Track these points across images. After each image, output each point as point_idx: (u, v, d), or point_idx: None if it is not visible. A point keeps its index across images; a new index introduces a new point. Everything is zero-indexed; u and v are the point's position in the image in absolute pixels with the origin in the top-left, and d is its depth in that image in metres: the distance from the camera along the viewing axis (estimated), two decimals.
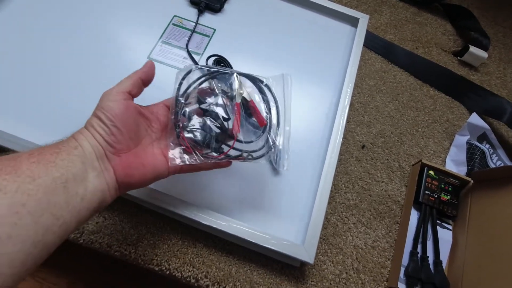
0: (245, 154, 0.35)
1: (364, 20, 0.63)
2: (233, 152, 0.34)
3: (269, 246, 0.41)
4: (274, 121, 0.36)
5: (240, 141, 0.35)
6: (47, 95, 0.48)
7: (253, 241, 0.41)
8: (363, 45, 0.63)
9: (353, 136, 0.56)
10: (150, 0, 0.60)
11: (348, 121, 0.58)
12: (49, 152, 0.25)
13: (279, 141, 0.36)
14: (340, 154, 0.54)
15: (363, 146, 0.56)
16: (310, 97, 0.55)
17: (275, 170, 0.48)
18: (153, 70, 0.34)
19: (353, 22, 0.64)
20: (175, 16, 0.59)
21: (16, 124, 0.45)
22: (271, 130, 0.36)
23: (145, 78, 0.33)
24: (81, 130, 0.29)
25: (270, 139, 0.35)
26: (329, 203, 0.50)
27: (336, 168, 0.51)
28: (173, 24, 0.58)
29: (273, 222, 0.45)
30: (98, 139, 0.28)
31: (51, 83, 0.49)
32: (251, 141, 0.36)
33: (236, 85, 0.36)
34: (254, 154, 0.35)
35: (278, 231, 0.43)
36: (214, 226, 0.41)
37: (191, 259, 0.43)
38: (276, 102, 0.37)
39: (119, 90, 0.30)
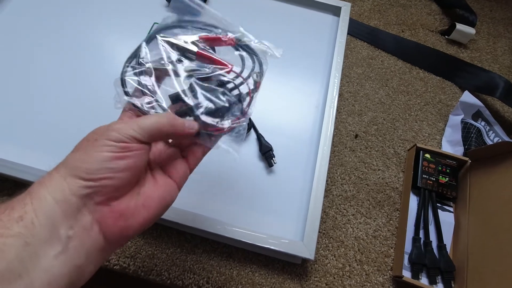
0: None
1: (346, 8, 0.62)
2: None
3: (267, 246, 0.40)
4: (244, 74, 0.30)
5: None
6: (31, 113, 0.48)
7: (251, 242, 0.40)
8: (348, 33, 0.62)
9: (345, 127, 0.56)
10: (130, 9, 0.59)
11: (339, 111, 0.57)
12: None
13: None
14: (334, 145, 0.53)
15: (356, 136, 0.55)
16: (299, 91, 0.55)
17: (268, 168, 0.47)
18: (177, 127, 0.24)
19: (335, 11, 0.64)
20: (155, 23, 0.58)
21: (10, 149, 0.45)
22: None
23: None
24: (49, 173, 0.21)
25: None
26: (326, 196, 0.49)
27: (331, 160, 0.51)
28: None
29: (271, 221, 0.44)
30: (73, 189, 0.20)
31: (34, 100, 0.49)
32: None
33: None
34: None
35: (276, 230, 0.43)
36: (210, 230, 0.41)
37: (191, 266, 0.43)
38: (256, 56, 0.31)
39: (125, 135, 0.22)
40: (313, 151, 0.49)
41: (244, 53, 0.30)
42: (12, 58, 0.52)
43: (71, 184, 0.20)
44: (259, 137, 0.48)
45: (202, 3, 0.32)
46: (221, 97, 0.27)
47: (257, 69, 0.30)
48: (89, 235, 0.20)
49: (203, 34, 0.30)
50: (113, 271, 0.42)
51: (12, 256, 0.17)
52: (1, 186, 0.45)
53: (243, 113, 0.28)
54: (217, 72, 0.28)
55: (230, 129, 0.27)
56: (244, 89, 0.29)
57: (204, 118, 0.26)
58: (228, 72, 0.28)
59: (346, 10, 0.62)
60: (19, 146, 0.46)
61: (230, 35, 0.30)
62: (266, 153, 0.47)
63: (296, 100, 0.54)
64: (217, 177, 0.46)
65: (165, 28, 0.30)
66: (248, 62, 0.30)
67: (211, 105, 0.26)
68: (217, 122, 0.26)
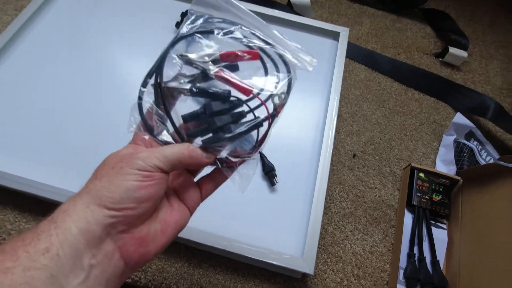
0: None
1: (344, 33, 0.66)
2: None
3: (270, 261, 0.43)
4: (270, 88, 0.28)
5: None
6: (52, 134, 0.52)
7: (254, 257, 0.43)
8: (347, 56, 0.66)
9: (344, 146, 0.59)
10: (139, 35, 0.63)
11: (337, 131, 0.60)
12: None
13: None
14: (332, 164, 0.56)
15: (354, 155, 0.58)
16: (300, 112, 0.58)
17: (271, 187, 0.50)
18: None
19: (335, 36, 0.67)
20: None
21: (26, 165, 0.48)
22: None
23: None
24: (73, 200, 0.21)
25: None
26: (325, 213, 0.52)
27: (329, 178, 0.54)
28: None
29: (272, 237, 0.47)
30: (97, 218, 0.20)
31: (54, 121, 0.53)
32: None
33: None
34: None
35: (278, 246, 0.46)
36: (216, 246, 0.44)
37: (198, 279, 0.46)
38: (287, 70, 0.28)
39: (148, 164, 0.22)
40: (313, 170, 0.52)
41: (270, 64, 0.28)
42: (32, 79, 0.56)
43: (95, 213, 0.20)
44: (262, 157, 0.51)
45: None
46: (232, 127, 0.26)
47: (282, 89, 0.28)
48: (111, 262, 0.21)
49: (224, 51, 0.28)
50: (125, 284, 0.45)
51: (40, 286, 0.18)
52: (20, 203, 0.48)
53: (257, 145, 0.28)
54: (232, 105, 0.27)
55: (242, 162, 0.28)
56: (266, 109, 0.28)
57: (223, 152, 0.26)
58: (247, 95, 0.27)
59: (344, 35, 0.66)
60: (43, 165, 0.49)
61: (256, 44, 0.28)
62: (268, 172, 0.50)
63: (297, 120, 0.57)
64: (222, 194, 0.49)
65: (187, 36, 0.28)
66: (273, 75, 0.28)
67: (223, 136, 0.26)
68: (228, 155, 0.27)
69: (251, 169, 0.29)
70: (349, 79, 0.67)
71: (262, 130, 0.28)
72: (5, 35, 0.56)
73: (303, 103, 0.59)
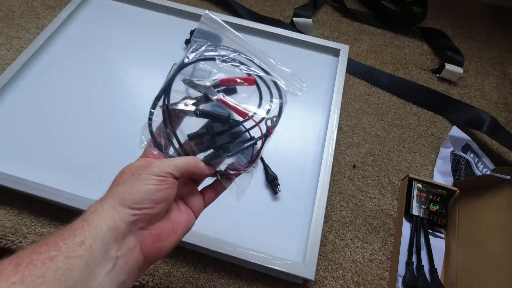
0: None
1: (344, 50, 0.70)
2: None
3: (272, 266, 0.45)
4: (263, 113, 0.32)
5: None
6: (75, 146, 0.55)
7: (257, 262, 0.45)
8: (347, 72, 0.69)
9: (344, 157, 0.61)
10: (151, 51, 0.68)
11: (338, 143, 0.63)
12: (41, 260, 0.20)
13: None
14: (333, 175, 0.59)
15: (354, 166, 0.60)
16: (302, 124, 0.61)
17: (273, 195, 0.53)
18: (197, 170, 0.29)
19: (335, 52, 0.71)
20: (174, 64, 0.66)
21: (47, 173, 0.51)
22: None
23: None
24: (100, 203, 0.25)
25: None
26: (326, 221, 0.54)
27: (330, 188, 0.56)
28: None
29: (275, 243, 0.49)
30: (122, 216, 0.24)
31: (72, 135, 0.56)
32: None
33: None
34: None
35: (280, 252, 0.48)
36: (221, 251, 0.46)
37: (203, 284, 0.47)
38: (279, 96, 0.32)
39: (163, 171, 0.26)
40: (314, 180, 0.54)
41: (264, 87, 0.32)
42: (55, 95, 0.60)
43: (120, 212, 0.24)
44: (266, 167, 0.54)
45: (229, 28, 0.33)
46: (230, 147, 0.31)
47: (274, 112, 0.32)
48: (132, 255, 0.24)
49: (224, 76, 0.32)
50: (133, 287, 0.47)
51: (78, 275, 0.21)
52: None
53: (251, 160, 0.31)
54: (230, 126, 0.31)
55: (238, 175, 0.32)
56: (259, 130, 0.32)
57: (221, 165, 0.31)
58: (243, 117, 0.31)
59: (344, 52, 0.70)
60: (58, 173, 0.52)
61: (252, 70, 0.32)
62: (271, 181, 0.52)
63: (299, 132, 0.60)
64: (227, 202, 0.51)
65: (191, 63, 0.32)
66: (266, 100, 0.32)
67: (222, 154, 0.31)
68: (227, 168, 0.31)
69: (246, 181, 0.33)
70: (349, 94, 0.70)
71: (257, 147, 0.32)
72: (26, 53, 0.61)
73: (305, 116, 0.62)
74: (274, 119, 0.32)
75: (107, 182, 0.27)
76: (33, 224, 0.49)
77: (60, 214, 0.50)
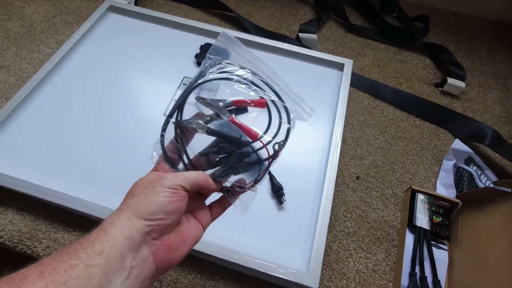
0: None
1: (348, 64, 0.72)
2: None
3: (277, 275, 0.46)
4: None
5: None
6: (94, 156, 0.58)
7: (263, 270, 0.46)
8: (351, 85, 0.71)
9: (348, 169, 0.63)
10: (163, 65, 0.71)
11: (342, 155, 0.64)
12: (63, 268, 0.22)
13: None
14: (337, 186, 0.60)
15: (357, 177, 0.62)
16: (307, 136, 0.63)
17: (279, 205, 0.54)
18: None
19: (340, 67, 0.73)
20: (185, 77, 0.69)
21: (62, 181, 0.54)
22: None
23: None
24: (117, 214, 0.26)
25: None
26: (329, 232, 0.55)
27: (334, 199, 0.57)
28: (184, 84, 0.68)
29: (280, 252, 0.50)
30: (137, 227, 0.25)
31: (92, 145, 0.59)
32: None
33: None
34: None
35: (284, 261, 0.49)
36: (227, 259, 0.47)
37: None
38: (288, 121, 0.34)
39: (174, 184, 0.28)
40: (318, 190, 0.56)
41: (274, 110, 0.34)
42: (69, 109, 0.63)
43: (135, 223, 0.25)
44: (271, 178, 0.56)
45: (244, 47, 0.34)
46: (239, 167, 0.32)
47: (281, 137, 0.33)
48: (146, 265, 0.26)
49: (237, 98, 0.34)
50: None
51: (97, 282, 0.22)
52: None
53: (257, 180, 0.33)
54: (240, 147, 0.32)
55: (243, 192, 0.34)
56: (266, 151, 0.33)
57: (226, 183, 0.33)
58: (253, 139, 0.33)
59: (348, 66, 0.72)
60: (74, 181, 0.54)
61: (267, 95, 0.33)
62: (277, 192, 0.54)
63: (304, 144, 0.62)
64: (234, 212, 0.53)
65: (205, 82, 0.33)
66: (275, 124, 0.34)
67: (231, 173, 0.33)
68: (233, 185, 0.33)
69: (250, 198, 0.35)
70: (353, 106, 0.72)
71: (263, 166, 0.34)
72: (46, 66, 0.64)
73: (310, 128, 0.64)
74: (281, 143, 0.33)
75: (119, 190, 0.29)
76: (48, 230, 0.52)
77: (73, 220, 0.52)
